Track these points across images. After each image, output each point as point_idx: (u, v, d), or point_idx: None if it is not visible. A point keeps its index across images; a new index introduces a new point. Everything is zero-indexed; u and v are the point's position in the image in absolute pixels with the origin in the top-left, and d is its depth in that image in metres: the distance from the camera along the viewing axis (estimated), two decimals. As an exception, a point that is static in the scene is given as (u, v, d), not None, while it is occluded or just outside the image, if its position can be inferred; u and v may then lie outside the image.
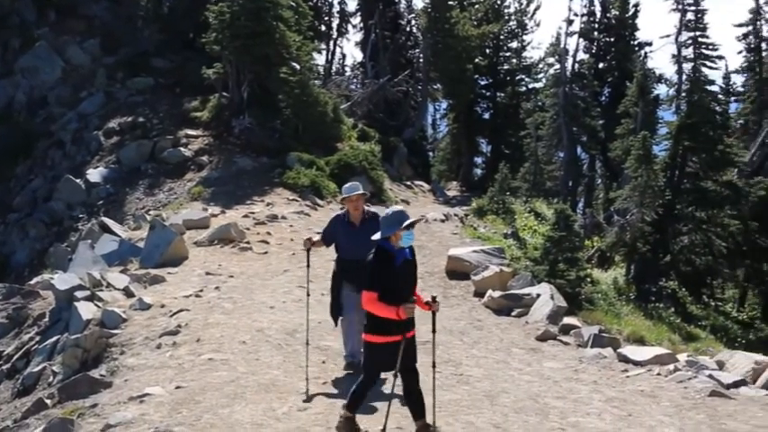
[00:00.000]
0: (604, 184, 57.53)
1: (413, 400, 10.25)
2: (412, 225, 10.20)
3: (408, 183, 45.41)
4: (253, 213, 28.17)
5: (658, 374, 14.47)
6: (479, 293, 20.21)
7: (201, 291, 18.31)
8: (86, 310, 16.81)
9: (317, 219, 27.89)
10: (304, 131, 37.04)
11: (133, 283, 19.07)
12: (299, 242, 23.22)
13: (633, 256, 37.44)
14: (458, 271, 22.09)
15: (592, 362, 15.43)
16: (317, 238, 13.78)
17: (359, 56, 63.56)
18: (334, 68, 62.31)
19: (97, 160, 37.75)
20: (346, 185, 13.47)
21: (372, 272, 10.05)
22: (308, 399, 11.87)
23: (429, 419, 10.19)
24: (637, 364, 15.19)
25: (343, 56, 72.86)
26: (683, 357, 15.79)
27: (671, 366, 14.81)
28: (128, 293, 18.33)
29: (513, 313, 18.85)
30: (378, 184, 36.02)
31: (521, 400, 12.32)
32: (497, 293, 19.57)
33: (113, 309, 16.69)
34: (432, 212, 33.29)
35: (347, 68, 65.28)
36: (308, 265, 13.62)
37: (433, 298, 10.13)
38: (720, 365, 15.33)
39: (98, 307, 17.10)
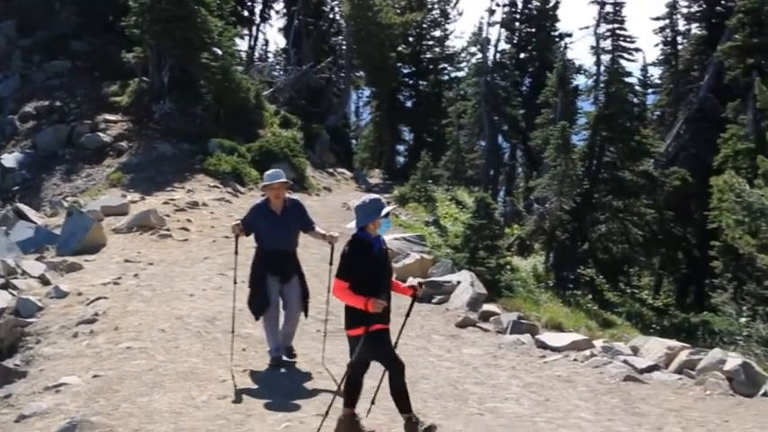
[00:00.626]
0: (525, 173, 58.14)
1: (394, 394, 9.98)
2: (388, 213, 10.10)
3: (331, 170, 45.34)
4: (173, 200, 27.87)
5: (575, 360, 14.70)
6: (400, 281, 20.30)
7: (120, 278, 17.98)
8: (0, 299, 16.41)
9: (239, 206, 27.62)
10: (226, 117, 36.83)
11: (49, 270, 18.75)
12: (220, 229, 23.09)
13: (552, 244, 37.87)
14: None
15: (510, 348, 15.60)
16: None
17: (282, 42, 63.59)
18: (256, 54, 61.95)
19: (12, 145, 37.10)
20: (268, 173, 13.02)
21: (346, 261, 9.74)
22: (238, 397, 11.39)
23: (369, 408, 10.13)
24: (554, 350, 15.41)
25: (266, 42, 72.23)
26: (599, 343, 16.03)
27: (587, 352, 15.08)
28: (44, 281, 18.03)
29: (434, 300, 18.94)
30: (300, 171, 36.02)
31: (440, 386, 12.41)
32: (418, 280, 19.71)
33: (29, 297, 16.36)
34: (354, 200, 33.35)
35: (270, 55, 65.09)
36: (237, 252, 13.03)
37: (420, 284, 10.46)
38: (635, 351, 15.60)
39: (13, 295, 16.73)
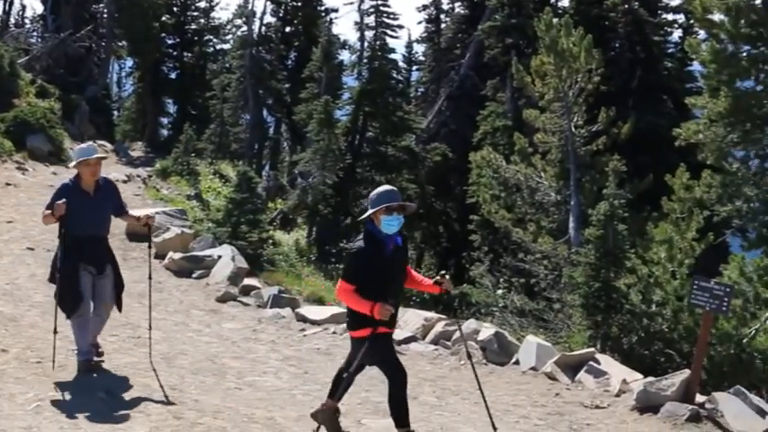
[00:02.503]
0: (289, 147, 58.19)
1: (393, 405, 9.26)
2: (402, 208, 8.92)
3: (90, 142, 44.19)
4: None
5: (334, 333, 14.84)
6: (160, 255, 19.85)
7: None
8: None
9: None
10: (-23, 86, 35.32)
11: None
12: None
13: (315, 219, 38.09)
14: (138, 233, 21.67)
15: (270, 322, 15.66)
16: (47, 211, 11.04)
17: (39, 8, 61.33)
18: (12, 20, 59.58)
19: None
20: (82, 146, 11.49)
21: (352, 261, 8.91)
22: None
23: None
24: (314, 323, 15.53)
25: (23, 7, 69.98)
26: (358, 316, 16.27)
27: (344, 325, 15.27)
28: None
29: (194, 275, 18.72)
30: (57, 142, 34.86)
31: (198, 362, 12.30)
32: (178, 255, 19.41)
33: None
34: (114, 173, 32.60)
35: (26, 21, 62.72)
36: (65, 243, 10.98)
37: (443, 275, 9.16)
38: (393, 323, 15.90)
39: None
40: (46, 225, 11.54)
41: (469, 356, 10.35)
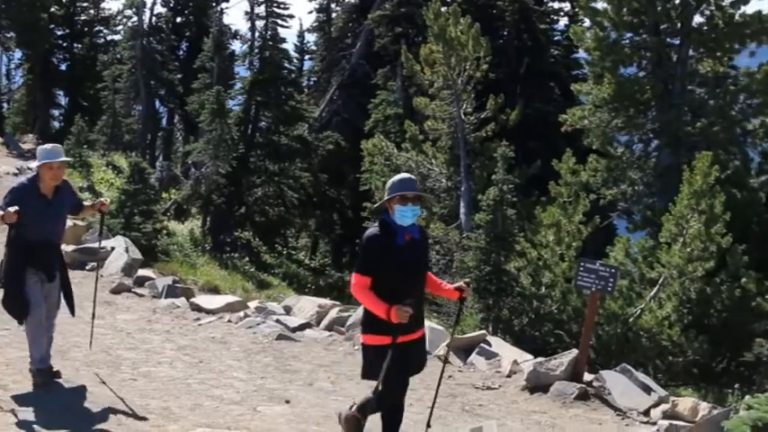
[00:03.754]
0: (182, 138, 57.70)
1: (391, 415, 8.42)
2: (418, 198, 8.08)
3: (56, 144, 43.05)
4: None
5: (229, 321, 14.80)
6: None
7: None
8: None
9: None
10: None
11: None
12: None
13: (209, 208, 37.85)
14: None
15: (165, 312, 15.53)
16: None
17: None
18: None
19: None
20: (45, 147, 10.34)
21: (365, 252, 7.93)
22: None
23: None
24: (209, 312, 15.46)
25: None
26: (253, 305, 16.23)
27: (241, 313, 15.23)
28: None
29: (88, 267, 18.43)
30: (-56, 136, 34.20)
31: (93, 354, 12.08)
32: (71, 248, 19.10)
33: None
34: (5, 166, 32.03)
35: None
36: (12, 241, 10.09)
37: (467, 283, 8.24)
38: (287, 310, 15.91)
39: None
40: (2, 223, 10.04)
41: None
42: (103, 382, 10.85)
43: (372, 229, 8.03)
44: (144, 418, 9.45)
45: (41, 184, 10.04)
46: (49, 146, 10.37)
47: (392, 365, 7.80)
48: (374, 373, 7.91)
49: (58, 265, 10.56)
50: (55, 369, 10.60)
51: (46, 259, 10.21)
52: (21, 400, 9.65)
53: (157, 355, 12.53)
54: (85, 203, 11.08)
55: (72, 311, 10.92)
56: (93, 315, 11.90)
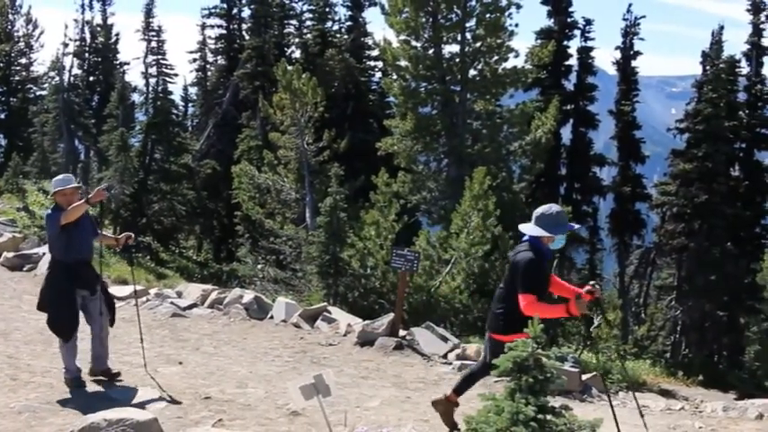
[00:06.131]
0: (97, 168, 56.01)
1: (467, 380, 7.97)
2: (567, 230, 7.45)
3: (67, 174, 40.94)
4: None
5: (135, 305, 14.34)
6: (-5, 256, 18.87)
7: None
8: None
9: None
10: None
11: None
12: None
13: (118, 220, 36.86)
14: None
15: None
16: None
17: None
18: None
19: None
20: (58, 178, 9.31)
21: (532, 272, 7.10)
22: None
23: None
24: (120, 299, 14.97)
25: None
26: (153, 291, 15.93)
27: (144, 298, 14.92)
28: None
29: (25, 269, 17.82)
30: None
31: (30, 335, 11.71)
32: (11, 254, 18.44)
33: None
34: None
35: None
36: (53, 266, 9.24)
37: (593, 284, 7.48)
38: (179, 295, 15.67)
39: None
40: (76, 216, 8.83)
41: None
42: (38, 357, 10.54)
43: (527, 253, 7.22)
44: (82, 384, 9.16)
45: (62, 211, 8.92)
46: (61, 176, 9.41)
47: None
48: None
49: (98, 280, 9.41)
50: (114, 371, 9.48)
51: (86, 276, 9.13)
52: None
53: (80, 333, 12.15)
54: (104, 233, 10.11)
55: (112, 322, 9.63)
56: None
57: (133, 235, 10.04)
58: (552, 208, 7.37)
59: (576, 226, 7.72)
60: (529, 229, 7.32)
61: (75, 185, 9.24)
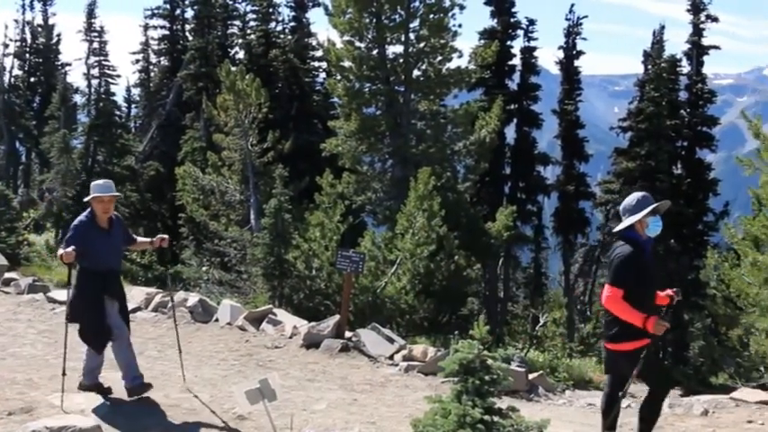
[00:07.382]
0: (38, 170, 55.08)
1: (652, 414, 7.18)
2: (658, 210, 7.15)
3: (107, 180, 39.53)
4: None
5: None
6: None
7: None
8: None
9: None
10: None
11: None
12: None
13: (60, 223, 36.24)
14: None
15: (27, 305, 14.95)
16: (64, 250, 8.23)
17: None
18: None
19: None
20: (97, 183, 8.81)
21: (622, 266, 6.78)
22: None
23: None
24: (62, 303, 14.74)
25: None
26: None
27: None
28: None
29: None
30: None
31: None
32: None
33: None
34: None
35: None
36: (70, 284, 8.70)
37: (676, 292, 7.21)
38: (124, 299, 15.51)
39: None
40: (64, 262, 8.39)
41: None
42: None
43: (623, 248, 6.95)
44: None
45: (96, 218, 8.62)
46: (101, 181, 8.90)
47: (655, 363, 7.08)
48: (622, 376, 7.03)
49: (122, 290, 9.09)
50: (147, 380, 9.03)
51: (115, 286, 8.78)
52: None
53: (22, 339, 12.03)
54: (139, 239, 9.65)
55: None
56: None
57: (167, 237, 9.57)
58: (632, 195, 7.26)
59: (668, 203, 7.25)
60: (620, 225, 7.18)
61: (115, 194, 8.80)
